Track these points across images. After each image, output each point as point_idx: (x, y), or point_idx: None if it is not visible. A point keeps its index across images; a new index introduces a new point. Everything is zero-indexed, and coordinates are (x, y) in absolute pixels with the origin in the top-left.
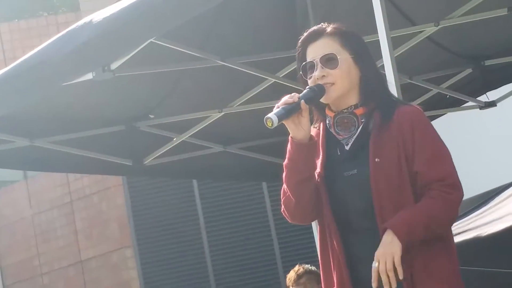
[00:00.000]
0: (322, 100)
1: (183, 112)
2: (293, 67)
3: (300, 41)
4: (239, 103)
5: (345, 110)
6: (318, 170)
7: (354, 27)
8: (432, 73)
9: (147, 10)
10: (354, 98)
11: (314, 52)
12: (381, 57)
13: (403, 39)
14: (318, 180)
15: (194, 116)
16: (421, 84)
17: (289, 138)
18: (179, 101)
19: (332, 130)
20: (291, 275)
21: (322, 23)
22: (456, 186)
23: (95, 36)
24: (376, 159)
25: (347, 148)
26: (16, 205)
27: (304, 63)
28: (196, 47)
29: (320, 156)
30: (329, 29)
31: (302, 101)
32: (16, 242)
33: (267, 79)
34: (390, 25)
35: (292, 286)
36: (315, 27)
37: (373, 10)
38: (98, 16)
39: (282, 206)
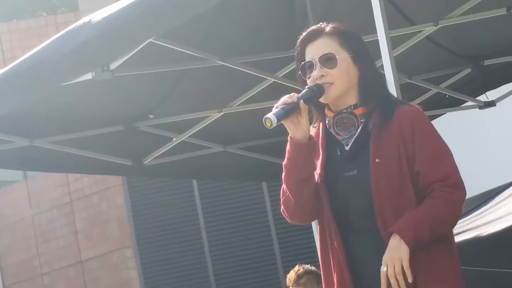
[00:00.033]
0: (321, 100)
1: (182, 112)
2: (293, 67)
3: (299, 40)
4: (238, 103)
5: (345, 110)
6: (318, 170)
7: (353, 27)
8: (431, 73)
9: (146, 10)
10: (354, 98)
11: (313, 52)
12: (380, 56)
13: (402, 39)
14: (318, 180)
15: (194, 116)
16: (420, 84)
17: (288, 138)
18: (178, 101)
19: (331, 130)
20: (291, 275)
21: (321, 23)
22: (458, 185)
23: (94, 36)
24: (377, 160)
25: (347, 148)
26: (16, 205)
27: (303, 62)
28: (196, 47)
29: (320, 157)
30: (328, 29)
31: (301, 101)
32: (16, 242)
33: (267, 79)
34: (389, 25)
35: (292, 286)
36: (314, 27)
37: (372, 10)
38: (97, 16)
39: (282, 206)
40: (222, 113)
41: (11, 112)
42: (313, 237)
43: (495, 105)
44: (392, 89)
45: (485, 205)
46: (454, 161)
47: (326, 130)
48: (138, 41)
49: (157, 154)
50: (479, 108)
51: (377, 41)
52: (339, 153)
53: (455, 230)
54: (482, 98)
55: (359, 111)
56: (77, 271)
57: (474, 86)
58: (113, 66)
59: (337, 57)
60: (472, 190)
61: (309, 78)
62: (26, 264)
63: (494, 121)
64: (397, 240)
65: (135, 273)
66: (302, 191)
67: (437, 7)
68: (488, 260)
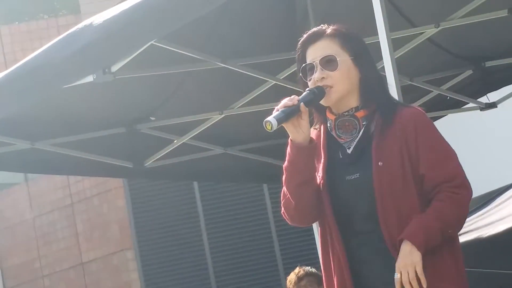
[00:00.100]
0: (322, 102)
1: (183, 114)
2: (294, 69)
3: (299, 42)
4: (239, 105)
5: (346, 113)
6: (320, 173)
7: (354, 29)
8: (432, 75)
9: (147, 12)
10: (355, 101)
11: (314, 54)
12: (382, 58)
13: (404, 41)
14: (320, 183)
15: (195, 118)
16: (421, 86)
17: (289, 140)
18: (180, 103)
19: (333, 133)
20: (292, 277)
21: (322, 25)
22: (464, 185)
23: (95, 38)
24: (379, 163)
25: (349, 151)
26: (17, 208)
27: (303, 65)
28: (197, 49)
29: (322, 159)
30: (329, 31)
31: (302, 103)
32: (17, 244)
33: (268, 81)
34: (391, 27)
35: None
36: (315, 29)
37: (373, 12)
38: (98, 18)
39: (282, 208)
40: (223, 115)
41: (12, 115)
42: (313, 238)
43: (496, 107)
44: (393, 91)
45: (486, 206)
46: (458, 161)
47: (327, 133)
48: (140, 44)
49: (158, 156)
50: (480, 110)
51: (378, 43)
52: (341, 156)
53: None
54: (483, 99)
55: (360, 113)
56: (78, 273)
57: (475, 88)
58: (114, 68)
59: (338, 59)
60: (473, 191)
61: (310, 80)
62: (27, 266)
63: (495, 122)
64: (409, 247)
65: (136, 275)
66: (302, 193)
67: (438, 9)
68: (489, 262)
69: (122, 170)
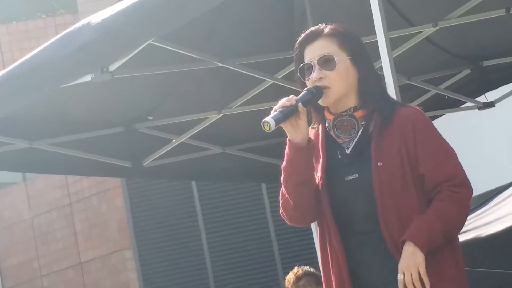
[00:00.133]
0: (320, 102)
1: (182, 114)
2: (292, 68)
3: (297, 42)
4: (238, 105)
5: (344, 113)
6: (318, 173)
7: (352, 28)
8: (430, 74)
9: (145, 11)
10: (353, 101)
11: (312, 53)
12: (380, 58)
13: (402, 40)
14: (319, 183)
15: (193, 118)
16: (419, 85)
17: (287, 141)
18: (177, 102)
19: (331, 133)
20: (290, 277)
21: (320, 24)
22: (464, 184)
23: (93, 38)
24: (379, 163)
25: (348, 151)
26: (15, 207)
27: (301, 64)
28: (195, 49)
29: (320, 159)
30: (326, 30)
31: (300, 103)
32: (16, 244)
33: (266, 80)
34: (388, 26)
35: None
36: (312, 28)
37: (371, 11)
38: (96, 17)
39: (281, 208)
40: (221, 114)
41: (10, 114)
42: (312, 238)
43: (494, 106)
44: (391, 90)
45: (485, 205)
46: (458, 160)
47: (326, 133)
48: (138, 43)
49: (157, 156)
50: (479, 109)
51: (376, 42)
52: (340, 156)
53: None
54: (481, 99)
55: (359, 113)
56: (77, 273)
57: (473, 87)
58: (112, 67)
59: (336, 59)
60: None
61: (308, 80)
62: (25, 266)
63: (493, 122)
64: (412, 248)
65: (135, 275)
66: (301, 193)
67: (436, 8)
68: (488, 261)
69: (120, 169)
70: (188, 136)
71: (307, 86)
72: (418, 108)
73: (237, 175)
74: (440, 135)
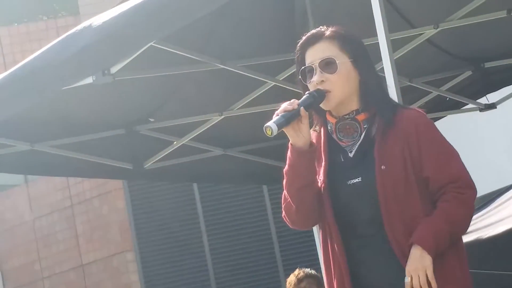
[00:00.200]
0: (322, 106)
1: (183, 116)
2: (293, 70)
3: (298, 45)
4: (239, 107)
5: (347, 116)
6: (321, 176)
7: (353, 30)
8: (432, 76)
9: (147, 13)
10: (355, 104)
11: (313, 56)
12: (381, 59)
13: (403, 42)
14: (321, 186)
15: (194, 120)
16: (421, 87)
17: (289, 145)
18: (179, 104)
19: (334, 136)
20: (291, 279)
21: (321, 26)
22: (469, 185)
23: (95, 40)
24: (382, 167)
25: (351, 155)
26: (16, 209)
27: (303, 67)
28: (196, 51)
29: (323, 163)
30: (328, 33)
31: (302, 108)
32: (17, 246)
33: (267, 82)
34: (390, 28)
35: None
36: (313, 31)
37: (373, 13)
38: (98, 20)
39: (283, 212)
40: (222, 116)
41: (11, 116)
42: (313, 240)
43: (496, 108)
44: (393, 92)
45: (486, 207)
46: (461, 161)
47: (328, 135)
48: (139, 45)
49: (158, 158)
50: (480, 111)
51: (377, 44)
52: (342, 160)
53: None
54: (483, 100)
55: (361, 116)
56: (78, 275)
57: (475, 89)
58: (113, 70)
59: (337, 61)
60: None
61: (309, 83)
62: (27, 268)
63: (495, 123)
64: (420, 251)
65: (136, 277)
66: (303, 197)
67: (438, 10)
68: (489, 263)
69: (122, 171)
70: (189, 138)
71: (308, 89)
72: (420, 110)
73: (238, 177)
74: (443, 136)
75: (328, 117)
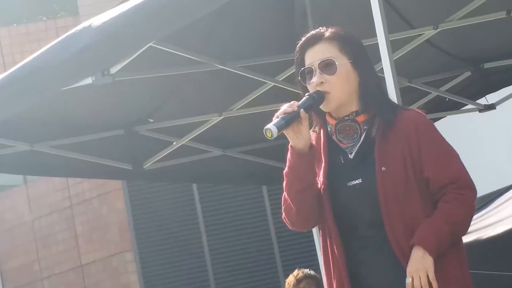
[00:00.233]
0: (321, 107)
1: (182, 116)
2: (293, 71)
3: (298, 46)
4: (238, 107)
5: (347, 118)
6: (320, 178)
7: (353, 31)
8: (431, 76)
9: (146, 14)
10: (355, 105)
11: (313, 57)
12: (380, 60)
13: (402, 42)
14: (321, 188)
15: (194, 120)
16: (420, 87)
17: (289, 147)
18: (178, 105)
19: (334, 137)
20: (290, 279)
21: (320, 27)
22: (469, 185)
23: (94, 40)
24: (383, 168)
25: (351, 156)
26: (16, 210)
27: (302, 68)
28: (196, 51)
29: (322, 164)
30: (327, 34)
31: (302, 110)
32: (16, 246)
33: (267, 82)
34: (389, 29)
35: None
36: (313, 32)
37: (372, 13)
38: (97, 20)
39: (283, 214)
40: (222, 117)
41: (11, 117)
42: (313, 241)
43: (495, 108)
44: (392, 92)
45: (485, 208)
46: (461, 162)
47: (327, 137)
48: (139, 46)
49: (157, 158)
50: (479, 111)
51: (377, 45)
52: (342, 161)
53: None
54: (482, 101)
55: (361, 118)
56: (77, 275)
57: (474, 89)
58: (113, 70)
59: (336, 63)
60: None
61: (309, 84)
62: (26, 269)
63: (494, 124)
64: (421, 252)
65: (135, 277)
66: (303, 199)
67: (437, 11)
68: (489, 263)
69: (121, 172)
70: (189, 139)
71: (308, 90)
72: (420, 111)
73: (238, 178)
74: (443, 137)
75: (328, 118)
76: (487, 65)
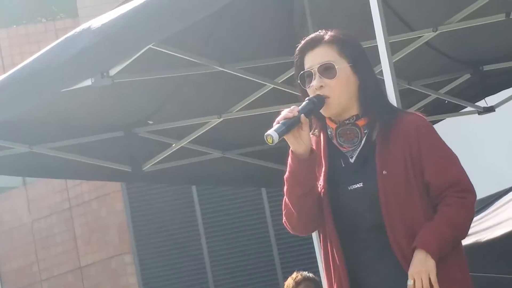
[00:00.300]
0: (322, 112)
1: (182, 118)
2: (292, 73)
3: (297, 49)
4: (238, 109)
5: (347, 121)
6: (321, 182)
7: (352, 34)
8: (430, 79)
9: (145, 16)
10: (355, 109)
11: (312, 61)
12: (380, 62)
13: (402, 45)
14: (321, 191)
15: (193, 122)
16: (419, 90)
17: (290, 152)
18: (178, 107)
19: (334, 141)
20: (289, 282)
21: (320, 31)
22: (469, 189)
23: (94, 42)
24: (384, 172)
25: (351, 160)
26: (15, 212)
27: (301, 72)
28: (195, 53)
29: (323, 168)
30: (327, 37)
31: (302, 115)
32: (15, 248)
33: (266, 84)
34: (389, 31)
35: None
36: (312, 35)
37: (371, 16)
38: (96, 22)
39: (284, 218)
40: (221, 119)
41: (10, 118)
42: (312, 243)
43: (495, 111)
44: (391, 95)
45: (485, 210)
46: (461, 165)
47: (328, 141)
48: (138, 47)
49: (157, 160)
50: (479, 114)
51: (376, 47)
52: (343, 165)
53: None
54: (481, 103)
55: (361, 122)
56: (76, 277)
57: (473, 92)
58: (112, 72)
59: (336, 67)
60: None
61: (309, 87)
62: (25, 270)
63: (494, 126)
64: (423, 254)
65: (134, 279)
66: (304, 204)
67: (437, 13)
68: (488, 266)
69: (120, 174)
70: (188, 141)
71: (307, 94)
72: (420, 114)
73: (237, 180)
74: (443, 140)
75: (328, 122)
76: (487, 68)
